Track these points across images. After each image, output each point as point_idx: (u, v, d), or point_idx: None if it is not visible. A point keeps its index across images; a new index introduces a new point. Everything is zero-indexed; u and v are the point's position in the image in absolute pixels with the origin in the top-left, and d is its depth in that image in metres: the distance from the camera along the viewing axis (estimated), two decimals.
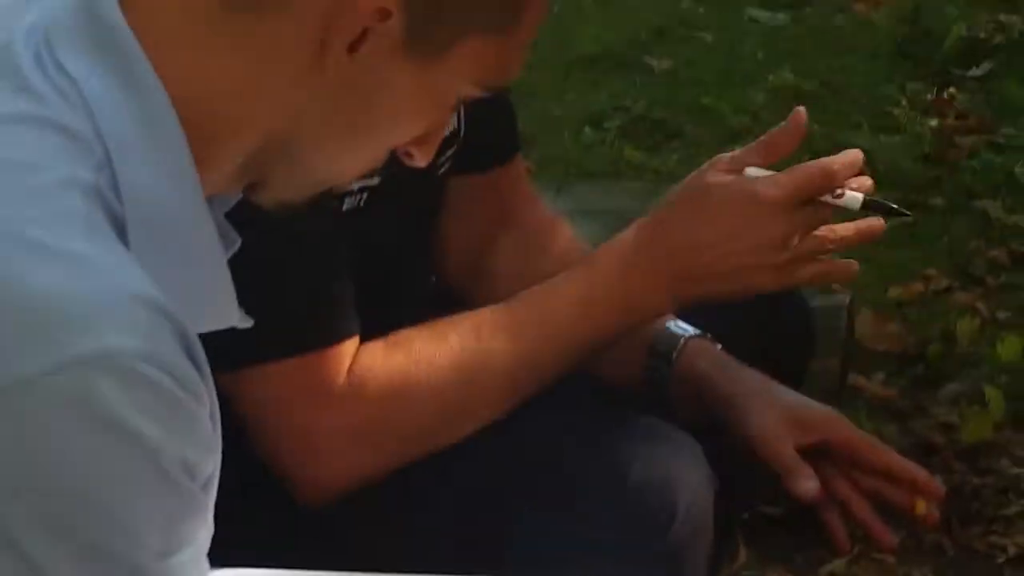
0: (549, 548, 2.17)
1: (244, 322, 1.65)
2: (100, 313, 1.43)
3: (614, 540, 2.18)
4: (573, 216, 3.84)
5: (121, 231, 1.52)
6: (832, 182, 2.17)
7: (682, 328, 2.46)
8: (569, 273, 2.30)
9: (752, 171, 2.23)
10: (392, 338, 2.20)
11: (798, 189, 2.17)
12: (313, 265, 2.16)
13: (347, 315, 2.19)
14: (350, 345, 2.17)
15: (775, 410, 2.40)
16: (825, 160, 2.19)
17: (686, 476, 2.25)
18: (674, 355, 2.43)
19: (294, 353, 2.14)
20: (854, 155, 2.22)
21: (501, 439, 2.29)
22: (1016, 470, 3.49)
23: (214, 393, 1.53)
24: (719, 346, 2.46)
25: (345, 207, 2.27)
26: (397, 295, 2.43)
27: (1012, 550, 3.28)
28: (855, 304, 3.54)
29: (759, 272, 2.22)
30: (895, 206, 2.29)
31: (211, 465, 1.52)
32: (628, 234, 2.31)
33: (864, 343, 3.76)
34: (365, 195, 2.28)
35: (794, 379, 2.67)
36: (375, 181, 2.22)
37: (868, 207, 2.22)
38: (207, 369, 1.51)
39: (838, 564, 3.22)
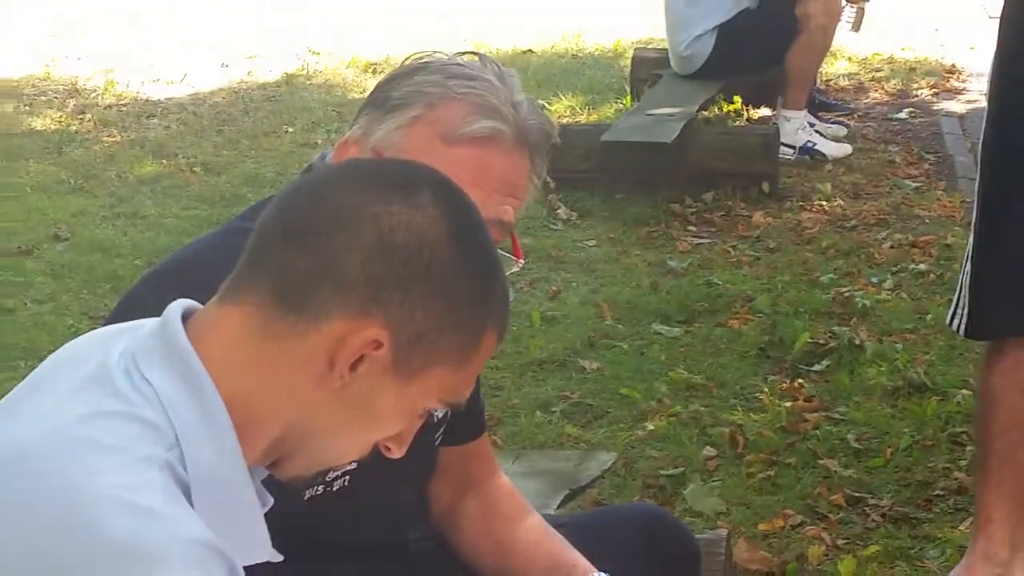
0: None
1: (275, 557, 1.66)
2: (172, 552, 1.46)
3: None
4: (527, 476, 3.88)
5: (187, 493, 1.54)
6: None
7: None
8: None
9: None
10: None
11: None
12: None
13: None
14: None
15: None
16: None
17: None
18: None
19: None
20: None
21: None
22: None
23: None
24: None
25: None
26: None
27: None
28: (732, 536, 3.53)
29: None
30: None
31: None
32: None
33: (740, 565, 3.74)
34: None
35: None
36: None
37: None
38: None
39: None
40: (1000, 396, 3.50)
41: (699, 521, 4.00)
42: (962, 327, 3.51)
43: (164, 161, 8.07)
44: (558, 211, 6.84)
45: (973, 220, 3.48)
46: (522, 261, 2.21)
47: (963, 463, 4.37)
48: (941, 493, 4.24)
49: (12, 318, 5.80)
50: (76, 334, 1.76)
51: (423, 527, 2.49)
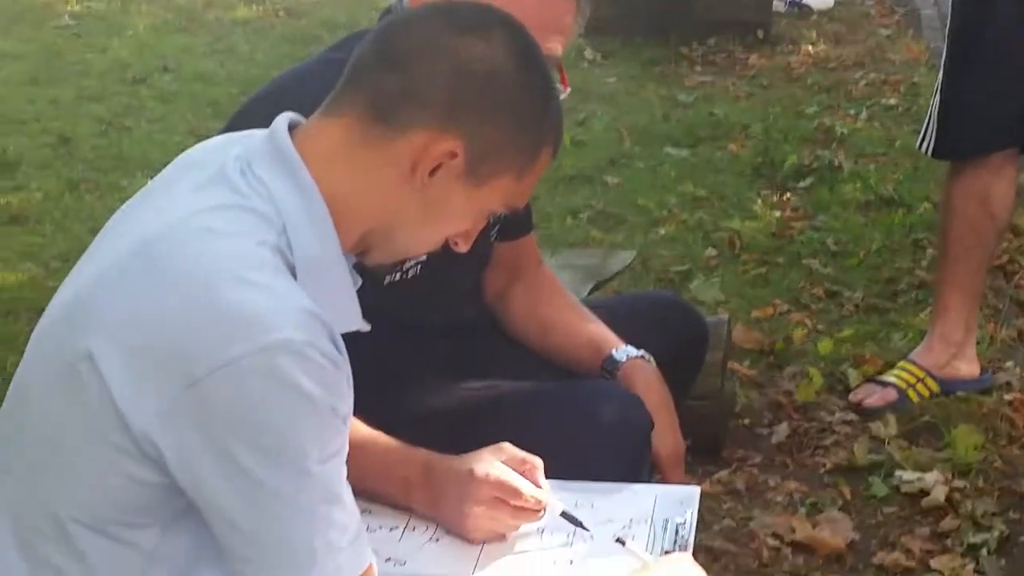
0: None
1: (364, 327, 1.67)
2: (282, 319, 1.46)
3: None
4: (561, 269, 3.86)
5: (292, 272, 1.55)
6: (516, 498, 1.84)
7: (622, 353, 2.35)
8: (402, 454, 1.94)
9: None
10: None
11: (497, 485, 1.86)
12: None
13: None
14: None
15: (670, 436, 2.28)
16: (530, 487, 1.85)
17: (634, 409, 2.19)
18: (617, 373, 2.34)
19: None
20: (542, 498, 1.86)
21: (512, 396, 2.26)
22: (829, 418, 3.48)
23: (348, 366, 1.55)
24: (651, 361, 2.35)
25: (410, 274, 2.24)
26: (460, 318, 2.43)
27: (828, 464, 3.27)
28: (732, 321, 3.54)
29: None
30: (581, 522, 1.87)
31: (347, 407, 1.54)
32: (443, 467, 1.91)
33: (738, 344, 3.76)
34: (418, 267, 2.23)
35: (697, 365, 2.67)
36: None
37: (563, 516, 1.86)
38: (344, 351, 1.54)
39: (723, 474, 3.23)
40: (958, 207, 3.49)
41: (703, 309, 3.96)
42: (929, 148, 3.48)
43: (254, 7, 8.00)
44: (585, 52, 6.76)
45: (943, 59, 3.44)
46: (568, 89, 2.19)
47: (924, 263, 4.36)
48: (905, 288, 4.23)
49: (130, 135, 5.80)
50: (183, 149, 1.75)
51: (480, 308, 2.50)
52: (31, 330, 1.66)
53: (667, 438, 2.30)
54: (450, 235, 1.68)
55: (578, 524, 1.86)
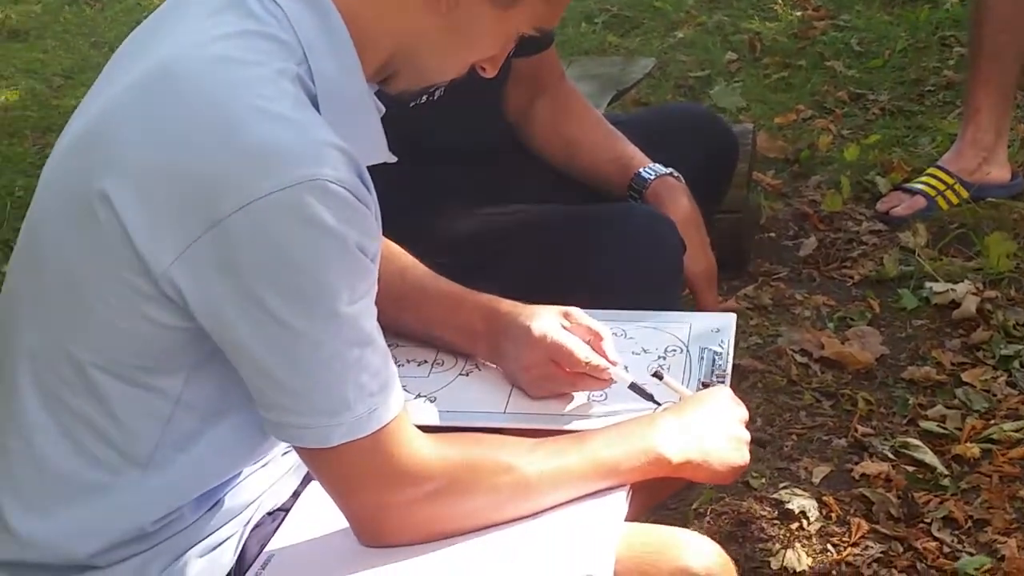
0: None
1: (391, 159, 1.60)
2: (307, 153, 1.40)
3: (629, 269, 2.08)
4: (580, 79, 3.78)
5: (315, 103, 1.49)
6: (570, 362, 1.74)
7: (650, 171, 2.29)
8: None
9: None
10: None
11: (553, 347, 1.76)
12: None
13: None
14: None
15: (701, 255, 2.25)
16: (585, 352, 1.74)
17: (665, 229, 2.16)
18: (645, 192, 2.28)
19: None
20: (599, 364, 1.75)
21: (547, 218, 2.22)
22: (857, 228, 3.43)
23: (376, 202, 1.49)
24: (680, 179, 2.30)
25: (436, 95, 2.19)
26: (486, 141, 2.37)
27: (856, 277, 3.24)
28: (756, 129, 3.47)
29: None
30: (652, 395, 1.74)
31: (375, 247, 1.49)
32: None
33: (761, 152, 3.69)
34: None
35: (727, 180, 2.61)
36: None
37: (632, 389, 1.74)
38: (371, 185, 1.48)
39: (748, 289, 3.17)
40: (992, 3, 3.39)
41: (724, 116, 3.92)
42: None
43: None
44: None
45: None
46: None
47: (951, 63, 4.27)
48: (932, 89, 4.15)
49: None
50: None
51: (501, 128, 2.43)
52: (37, 151, 1.60)
53: (699, 257, 2.25)
54: (477, 60, 1.61)
55: (649, 398, 1.74)
